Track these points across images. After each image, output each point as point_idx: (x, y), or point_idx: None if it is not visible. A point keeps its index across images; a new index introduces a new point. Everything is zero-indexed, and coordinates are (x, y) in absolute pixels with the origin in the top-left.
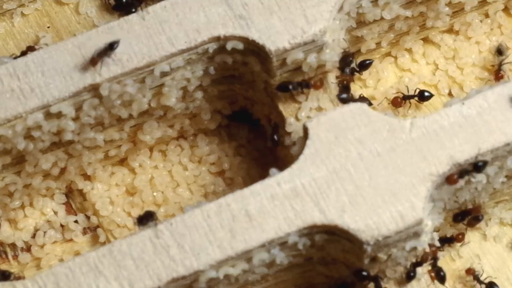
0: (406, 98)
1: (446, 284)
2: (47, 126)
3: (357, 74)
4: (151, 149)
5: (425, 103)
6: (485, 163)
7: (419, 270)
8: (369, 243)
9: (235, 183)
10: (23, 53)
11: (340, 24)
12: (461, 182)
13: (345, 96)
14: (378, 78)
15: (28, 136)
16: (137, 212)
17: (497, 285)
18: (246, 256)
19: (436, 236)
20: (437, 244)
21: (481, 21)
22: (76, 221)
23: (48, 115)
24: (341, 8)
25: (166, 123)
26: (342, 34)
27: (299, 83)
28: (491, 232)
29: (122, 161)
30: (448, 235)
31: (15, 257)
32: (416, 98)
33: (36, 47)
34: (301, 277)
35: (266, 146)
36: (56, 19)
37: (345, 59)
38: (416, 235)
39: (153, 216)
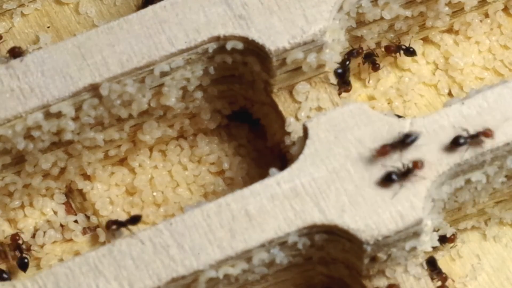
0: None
1: (446, 283)
2: (47, 126)
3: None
4: (151, 149)
5: (425, 102)
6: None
7: (418, 269)
8: (369, 243)
9: (235, 183)
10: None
11: (340, 24)
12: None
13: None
14: (378, 78)
15: (28, 136)
16: (136, 212)
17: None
18: (246, 256)
19: (435, 236)
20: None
21: (481, 21)
22: (76, 221)
23: (48, 115)
24: (341, 8)
25: (166, 123)
26: (342, 34)
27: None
28: (491, 232)
29: (122, 161)
30: (448, 235)
31: (15, 257)
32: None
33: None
34: (300, 277)
35: (266, 146)
36: (56, 19)
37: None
38: (416, 235)
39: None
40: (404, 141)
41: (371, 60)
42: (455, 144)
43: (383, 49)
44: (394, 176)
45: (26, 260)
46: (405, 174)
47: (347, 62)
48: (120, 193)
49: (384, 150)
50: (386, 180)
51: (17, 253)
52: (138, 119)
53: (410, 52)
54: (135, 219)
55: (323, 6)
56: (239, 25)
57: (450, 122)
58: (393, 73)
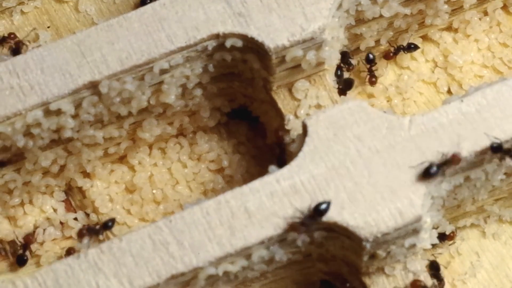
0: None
1: (446, 282)
2: (47, 124)
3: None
4: (150, 147)
5: (424, 100)
6: None
7: (417, 266)
8: (368, 240)
9: (234, 180)
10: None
11: (339, 22)
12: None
13: None
14: (377, 75)
15: (27, 134)
16: (136, 209)
17: None
18: (245, 253)
19: (435, 233)
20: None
21: (480, 19)
22: (75, 219)
23: (48, 113)
24: (340, 6)
25: (165, 120)
26: (341, 31)
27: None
28: (490, 229)
29: (122, 159)
30: (447, 232)
31: (14, 254)
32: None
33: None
34: (300, 274)
35: (265, 143)
36: (56, 17)
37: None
38: (415, 232)
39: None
40: (316, 213)
41: (369, 72)
42: (428, 174)
43: (382, 54)
44: (433, 170)
45: (25, 258)
46: (443, 165)
47: (340, 73)
48: (119, 191)
49: (295, 227)
50: (426, 174)
51: (20, 250)
52: (138, 116)
53: (412, 48)
54: (108, 225)
55: (322, 3)
56: (238, 22)
57: (449, 119)
58: (392, 71)
